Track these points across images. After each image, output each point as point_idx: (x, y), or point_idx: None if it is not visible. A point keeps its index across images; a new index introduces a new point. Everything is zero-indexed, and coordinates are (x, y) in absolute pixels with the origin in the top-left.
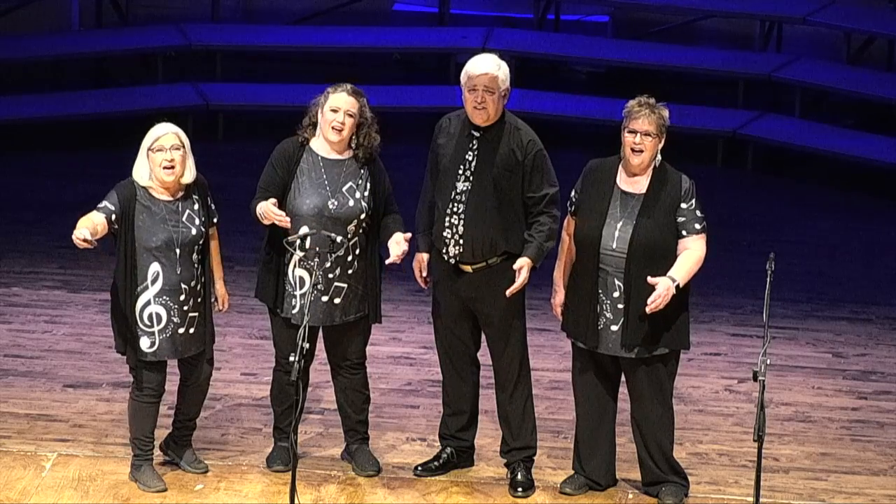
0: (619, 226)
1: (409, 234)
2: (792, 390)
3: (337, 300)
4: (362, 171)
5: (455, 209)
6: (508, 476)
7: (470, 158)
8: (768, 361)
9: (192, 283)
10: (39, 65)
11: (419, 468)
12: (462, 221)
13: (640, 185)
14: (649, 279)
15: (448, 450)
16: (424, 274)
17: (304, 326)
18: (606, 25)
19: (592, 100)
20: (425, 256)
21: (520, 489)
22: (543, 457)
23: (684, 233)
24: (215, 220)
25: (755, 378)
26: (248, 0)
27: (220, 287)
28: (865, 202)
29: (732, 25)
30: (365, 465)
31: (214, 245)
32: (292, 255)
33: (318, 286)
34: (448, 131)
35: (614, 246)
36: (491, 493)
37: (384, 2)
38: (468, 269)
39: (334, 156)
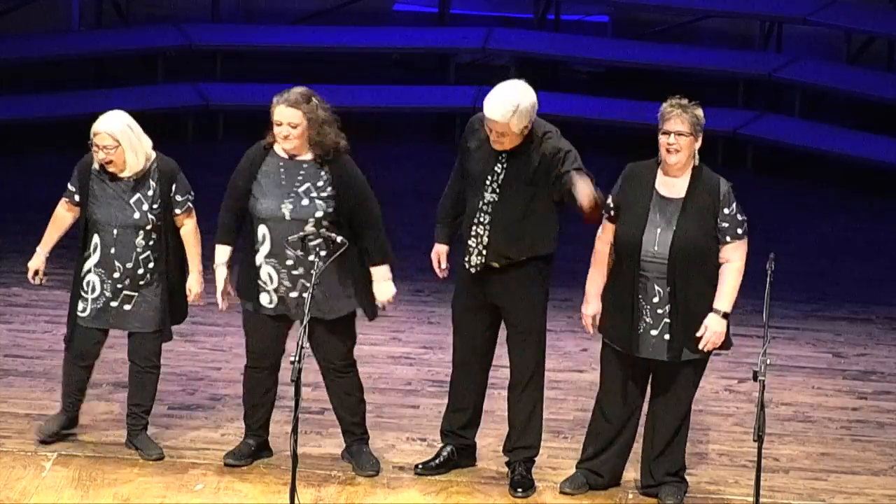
0: (658, 231)
1: (390, 294)
2: (792, 390)
3: (305, 295)
4: (323, 172)
5: (481, 219)
6: (509, 476)
7: (499, 171)
8: (768, 361)
9: (130, 266)
10: (39, 65)
11: (419, 467)
12: (487, 232)
13: (678, 188)
14: (710, 324)
15: (448, 447)
16: (444, 266)
17: (304, 326)
18: (606, 25)
19: (592, 100)
20: (445, 248)
21: (520, 489)
22: (544, 456)
23: (728, 238)
24: (179, 211)
25: (755, 378)
26: (248, 0)
27: (190, 280)
28: (865, 202)
29: (732, 25)
30: (364, 465)
31: (186, 235)
32: (259, 252)
33: (318, 284)
34: (479, 136)
35: (654, 251)
36: (491, 493)
37: (384, 2)
38: (494, 265)
39: (294, 157)
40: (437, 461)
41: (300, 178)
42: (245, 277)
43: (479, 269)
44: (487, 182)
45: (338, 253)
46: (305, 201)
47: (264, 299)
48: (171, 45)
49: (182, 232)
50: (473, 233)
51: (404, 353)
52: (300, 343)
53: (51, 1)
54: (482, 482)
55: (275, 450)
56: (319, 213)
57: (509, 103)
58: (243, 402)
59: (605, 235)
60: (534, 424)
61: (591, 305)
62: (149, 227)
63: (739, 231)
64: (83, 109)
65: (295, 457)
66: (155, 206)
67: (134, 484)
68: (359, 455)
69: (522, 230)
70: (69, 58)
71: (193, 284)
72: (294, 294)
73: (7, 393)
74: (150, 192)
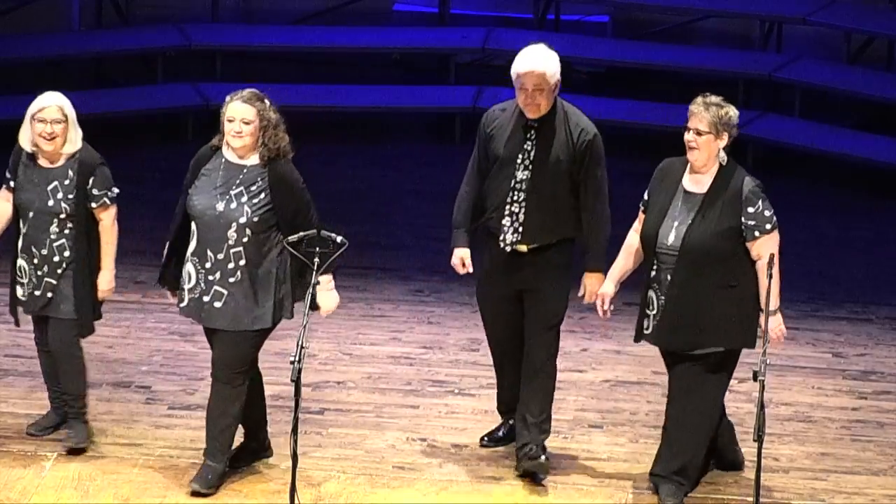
0: (675, 224)
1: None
2: (792, 390)
3: (217, 304)
4: (260, 179)
5: (516, 198)
6: (519, 461)
7: (529, 148)
8: (768, 361)
9: (45, 252)
10: (39, 65)
11: (485, 439)
12: (523, 210)
13: (702, 184)
14: (768, 326)
15: (511, 420)
16: (469, 270)
17: (304, 325)
18: (606, 25)
19: (592, 100)
20: (467, 252)
21: (536, 475)
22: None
23: (756, 234)
24: (95, 205)
25: (755, 378)
26: (248, 0)
27: (99, 278)
28: (865, 202)
29: (732, 25)
30: (196, 479)
31: (102, 231)
32: (188, 250)
33: (317, 284)
34: (499, 123)
35: (668, 243)
36: (491, 492)
37: (384, 2)
38: (523, 248)
39: (237, 160)
40: (501, 432)
41: (238, 181)
42: (172, 274)
43: (513, 246)
44: (519, 160)
45: (337, 253)
46: (234, 204)
47: (182, 299)
48: (171, 45)
49: (100, 227)
50: (508, 212)
51: (404, 353)
52: (300, 343)
53: (51, 1)
54: (482, 482)
55: (275, 450)
56: (243, 219)
57: (540, 54)
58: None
59: (637, 225)
60: (546, 408)
61: (605, 285)
62: (63, 216)
63: (768, 226)
64: (83, 109)
65: (295, 457)
66: (70, 195)
67: (134, 484)
68: (203, 468)
69: (554, 210)
70: (69, 58)
71: (102, 282)
72: (206, 299)
73: (7, 393)
74: (67, 182)
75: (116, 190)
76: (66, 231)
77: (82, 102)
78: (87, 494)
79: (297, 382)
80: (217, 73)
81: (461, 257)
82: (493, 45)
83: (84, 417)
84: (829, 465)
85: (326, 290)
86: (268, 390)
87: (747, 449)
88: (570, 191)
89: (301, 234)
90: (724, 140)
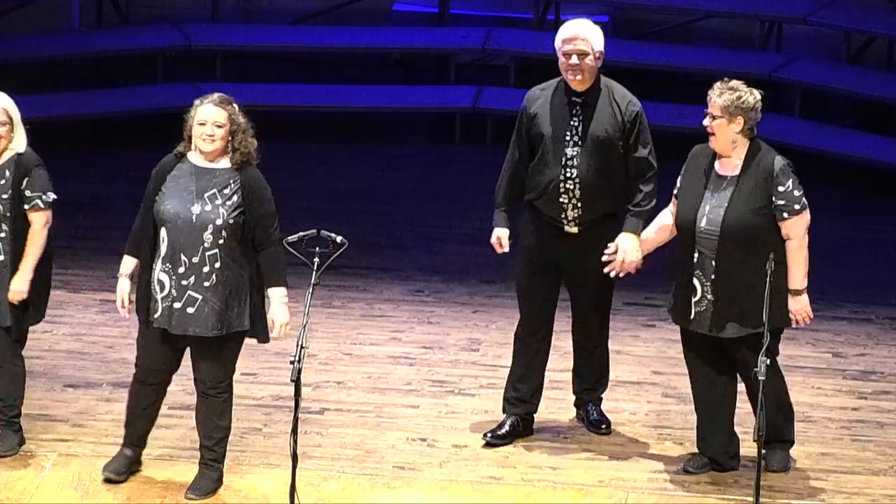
0: (710, 208)
1: (285, 321)
2: (792, 390)
3: (190, 309)
4: (232, 182)
5: (569, 174)
6: (584, 416)
7: (575, 124)
8: (768, 362)
9: None
10: (39, 65)
11: (488, 435)
12: (578, 186)
13: (734, 166)
14: (790, 305)
15: (512, 418)
16: (506, 250)
17: (304, 325)
18: (606, 25)
19: None
20: (506, 232)
21: (603, 426)
22: (543, 456)
23: (785, 215)
24: (26, 206)
25: (755, 378)
26: (248, 0)
27: (14, 279)
28: (865, 202)
29: (732, 25)
30: (194, 486)
31: (30, 234)
32: (157, 258)
33: (318, 284)
34: (542, 102)
35: (707, 228)
36: (491, 493)
37: (384, 2)
38: (575, 230)
39: (207, 164)
40: (503, 430)
41: (211, 184)
42: (140, 289)
43: (577, 223)
44: (567, 137)
45: (336, 253)
46: (208, 207)
47: (154, 311)
48: (170, 45)
49: (29, 230)
50: (563, 189)
51: (404, 353)
52: (300, 343)
53: (51, 1)
54: (482, 482)
55: (275, 449)
56: (219, 222)
57: (585, 22)
58: (126, 410)
59: (672, 209)
60: (605, 371)
61: (636, 254)
62: None
63: (797, 206)
64: (83, 109)
65: (295, 457)
66: (4, 195)
67: (134, 484)
68: (200, 476)
69: (606, 184)
70: (69, 58)
71: (16, 283)
72: (178, 305)
73: None
74: (3, 182)
75: (53, 195)
76: (1, 234)
77: (82, 102)
78: (87, 494)
79: (297, 382)
80: (217, 73)
81: (499, 237)
82: (493, 45)
83: (16, 426)
84: (829, 465)
85: (281, 303)
86: (268, 390)
87: (747, 449)
88: (620, 164)
89: (301, 233)
90: (739, 124)
